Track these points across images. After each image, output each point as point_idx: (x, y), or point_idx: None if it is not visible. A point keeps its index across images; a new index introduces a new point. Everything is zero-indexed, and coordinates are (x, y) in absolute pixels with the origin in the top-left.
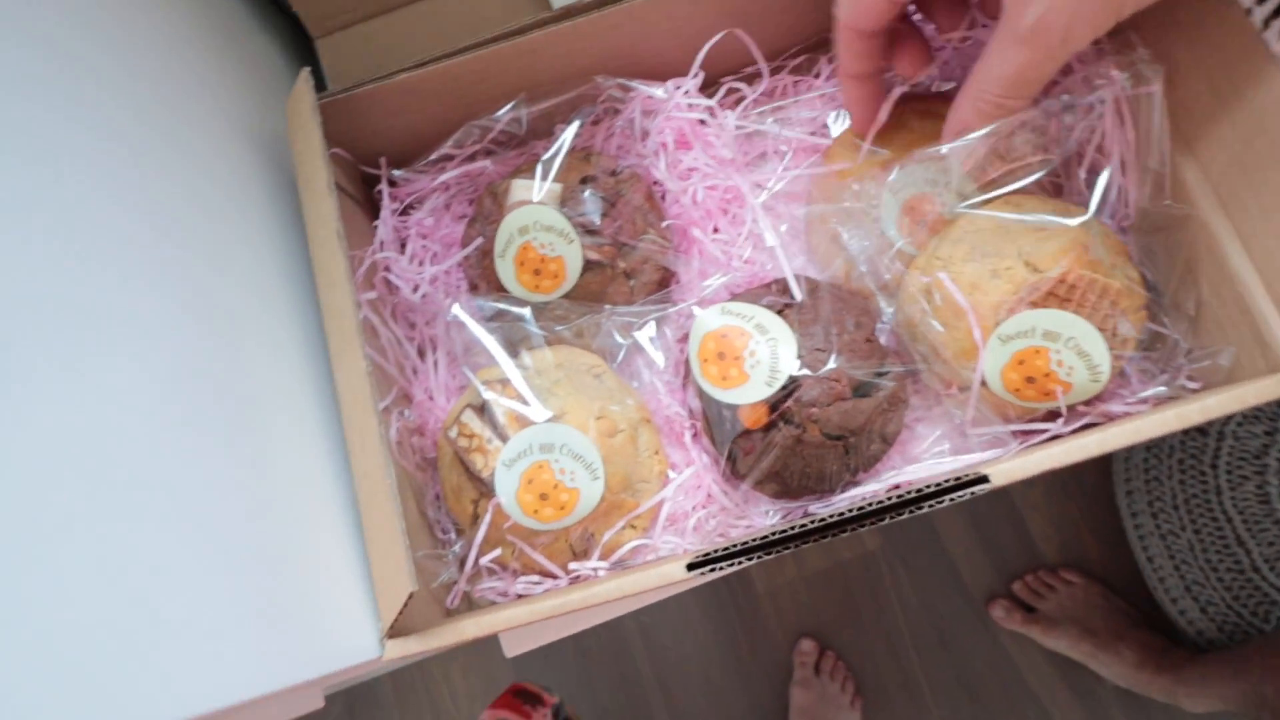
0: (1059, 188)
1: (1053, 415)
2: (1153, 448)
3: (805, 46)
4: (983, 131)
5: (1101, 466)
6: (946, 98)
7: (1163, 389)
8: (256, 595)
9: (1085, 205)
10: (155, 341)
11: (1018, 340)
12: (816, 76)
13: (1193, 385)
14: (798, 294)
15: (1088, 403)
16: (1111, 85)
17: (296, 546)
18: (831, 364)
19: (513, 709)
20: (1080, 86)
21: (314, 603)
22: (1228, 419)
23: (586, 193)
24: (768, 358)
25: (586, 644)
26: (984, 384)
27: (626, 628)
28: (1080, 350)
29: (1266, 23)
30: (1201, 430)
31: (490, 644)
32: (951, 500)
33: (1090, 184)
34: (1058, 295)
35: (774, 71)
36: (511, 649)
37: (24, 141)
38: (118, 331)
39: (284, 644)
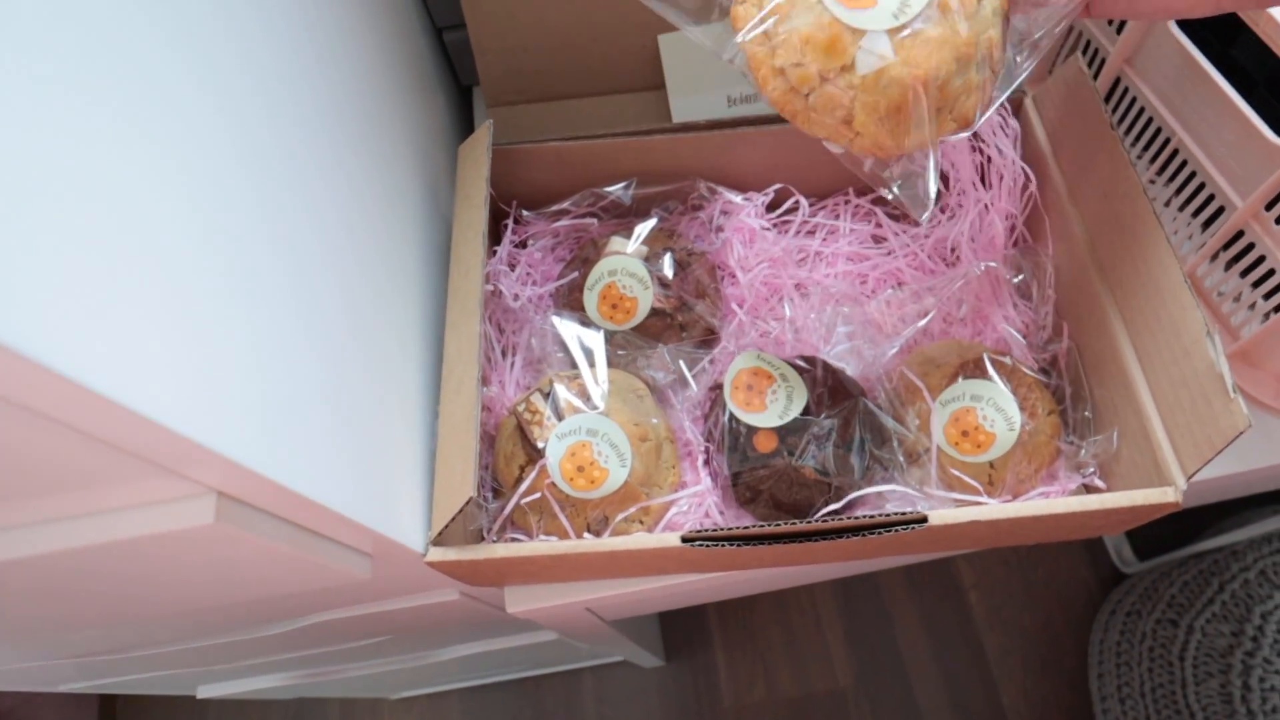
0: None
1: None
2: (1126, 633)
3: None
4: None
5: (1079, 648)
6: None
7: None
8: (360, 454)
9: None
10: (342, 278)
11: (954, 403)
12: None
13: (1100, 484)
14: (809, 367)
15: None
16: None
17: (388, 441)
18: (829, 419)
19: None
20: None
21: (392, 482)
22: (1197, 614)
23: (667, 256)
24: (784, 399)
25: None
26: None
27: (587, 714)
28: (998, 406)
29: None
30: (1173, 622)
31: (442, 712)
32: (896, 531)
33: None
34: (983, 370)
35: (817, 203)
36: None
37: (283, 130)
38: (319, 260)
39: (365, 486)
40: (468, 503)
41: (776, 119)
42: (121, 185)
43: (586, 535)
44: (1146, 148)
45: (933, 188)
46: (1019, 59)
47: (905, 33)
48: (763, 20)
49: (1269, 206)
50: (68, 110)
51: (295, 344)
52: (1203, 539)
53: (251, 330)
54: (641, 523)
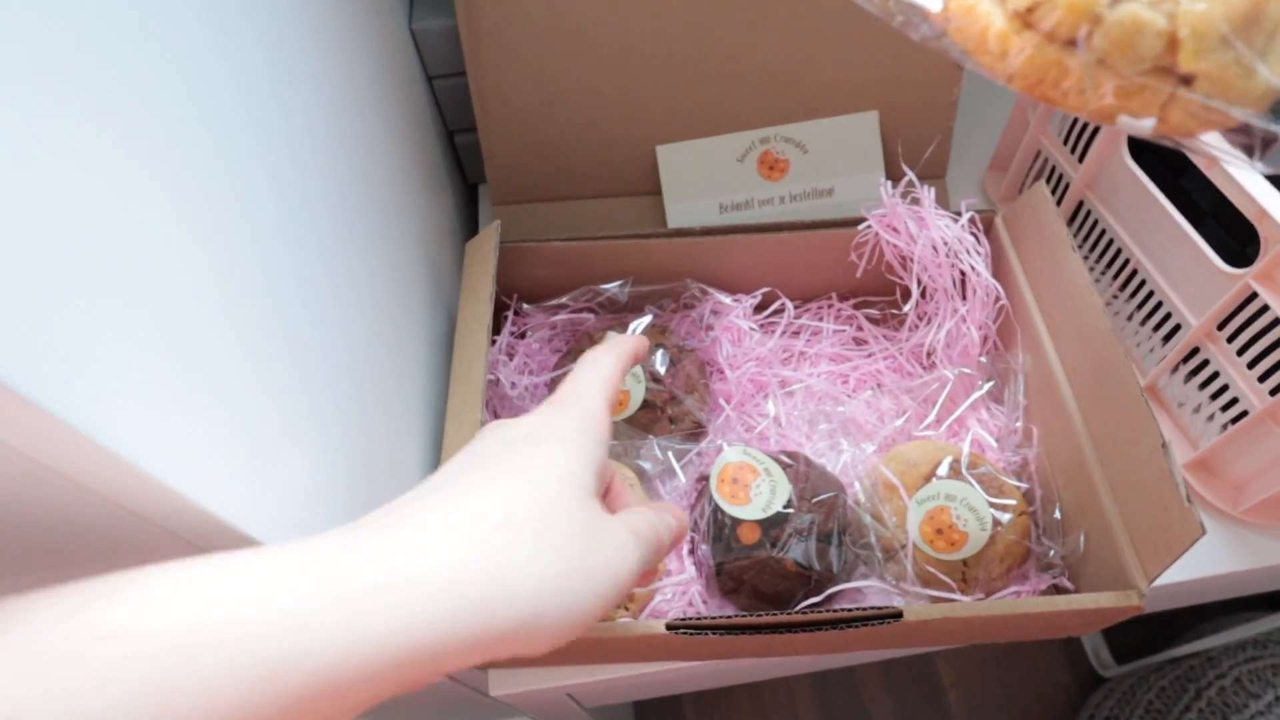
0: None
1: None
2: None
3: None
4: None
5: None
6: None
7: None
8: None
9: None
10: (350, 364)
11: (929, 502)
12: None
13: (1068, 585)
14: (792, 462)
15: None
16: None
17: None
18: (811, 513)
19: None
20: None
21: None
22: (1182, 711)
23: (660, 352)
24: (767, 493)
25: None
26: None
27: None
28: (970, 506)
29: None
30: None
31: None
32: (873, 625)
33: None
34: (957, 471)
35: (802, 306)
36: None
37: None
38: (332, 333)
39: None
40: None
41: (765, 228)
42: (150, 271)
43: None
44: (1109, 265)
45: None
46: None
47: None
48: None
49: (1220, 326)
50: (109, 209)
51: (305, 426)
52: (1179, 643)
53: (270, 416)
54: (626, 609)
